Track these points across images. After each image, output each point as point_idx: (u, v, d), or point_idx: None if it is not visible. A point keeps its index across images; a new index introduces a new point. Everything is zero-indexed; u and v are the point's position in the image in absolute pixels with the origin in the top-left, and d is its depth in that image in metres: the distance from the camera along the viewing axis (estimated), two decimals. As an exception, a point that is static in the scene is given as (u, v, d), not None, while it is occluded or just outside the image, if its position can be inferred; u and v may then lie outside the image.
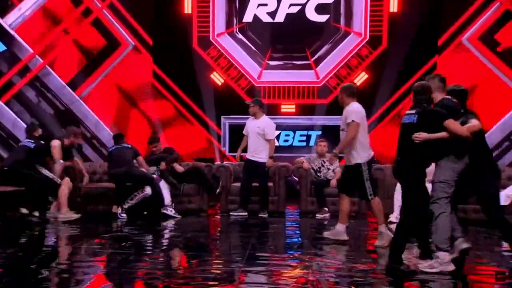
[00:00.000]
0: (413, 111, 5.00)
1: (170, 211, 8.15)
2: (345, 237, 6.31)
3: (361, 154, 6.08)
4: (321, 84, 11.14)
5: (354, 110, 6.15)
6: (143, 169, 8.30)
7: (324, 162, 8.68)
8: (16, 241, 6.43)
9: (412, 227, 5.01)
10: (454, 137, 4.84)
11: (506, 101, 10.58)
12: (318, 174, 8.67)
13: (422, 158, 4.95)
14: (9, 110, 11.02)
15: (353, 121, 6.07)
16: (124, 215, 8.05)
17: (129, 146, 8.40)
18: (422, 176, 5.02)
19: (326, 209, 8.35)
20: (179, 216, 8.09)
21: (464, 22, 10.75)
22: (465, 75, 10.73)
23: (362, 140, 6.12)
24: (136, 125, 10.91)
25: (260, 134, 8.19)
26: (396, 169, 5.14)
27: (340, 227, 6.35)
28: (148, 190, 8.12)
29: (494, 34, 10.68)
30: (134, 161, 8.36)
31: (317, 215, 8.27)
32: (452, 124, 4.85)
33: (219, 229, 7.83)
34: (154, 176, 8.32)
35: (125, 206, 8.09)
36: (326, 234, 6.45)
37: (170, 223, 7.75)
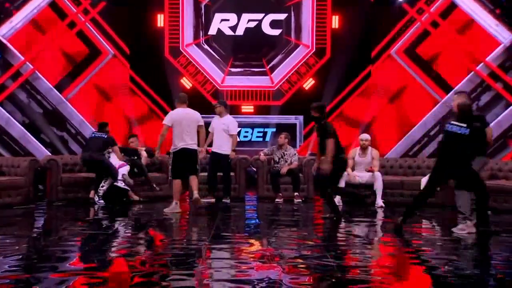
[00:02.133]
0: (464, 125, 5.56)
1: (121, 184, 8.01)
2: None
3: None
4: (275, 88, 11.16)
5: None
6: (114, 159, 8.11)
7: (284, 154, 8.69)
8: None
9: (486, 198, 5.68)
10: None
11: (426, 103, 10.88)
12: (276, 165, 8.67)
13: (470, 158, 5.67)
14: (3, 110, 10.63)
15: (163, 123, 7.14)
16: (101, 201, 7.85)
17: (105, 136, 8.13)
18: (472, 169, 5.71)
19: (281, 194, 8.39)
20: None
21: (392, 38, 10.99)
22: (393, 82, 11.00)
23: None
24: (115, 122, 10.66)
25: (225, 130, 8.15)
26: (448, 171, 5.67)
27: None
28: (110, 180, 7.98)
29: (415, 48, 10.98)
30: (110, 150, 8.19)
31: (276, 200, 8.28)
32: (489, 132, 6.13)
33: (188, 213, 7.76)
34: (121, 162, 8.15)
35: (100, 193, 7.91)
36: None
37: (142, 209, 7.62)
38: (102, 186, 7.93)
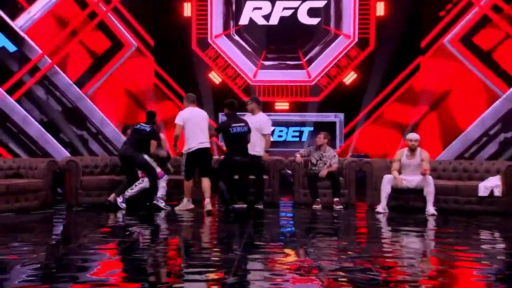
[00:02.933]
0: None
1: (161, 203, 8.03)
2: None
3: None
4: (312, 83, 11.11)
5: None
6: (147, 156, 8.10)
7: (323, 156, 8.61)
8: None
9: None
10: None
11: (484, 99, 10.59)
12: (313, 168, 8.60)
13: None
14: (20, 107, 10.94)
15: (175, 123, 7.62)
16: (124, 204, 7.93)
17: (148, 128, 8.04)
18: None
19: (319, 200, 8.32)
20: (168, 208, 7.97)
21: (445, 26, 10.75)
22: (446, 74, 10.76)
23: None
24: (137, 119, 10.78)
25: (257, 130, 8.11)
26: None
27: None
28: (145, 183, 7.97)
29: (472, 37, 10.69)
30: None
31: (314, 206, 8.23)
32: None
33: (217, 219, 7.78)
34: (158, 170, 8.19)
35: (126, 196, 7.95)
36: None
37: (169, 214, 7.68)
38: (132, 188, 7.97)
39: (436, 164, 8.68)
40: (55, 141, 11.04)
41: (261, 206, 8.18)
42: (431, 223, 7.10)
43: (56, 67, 11.10)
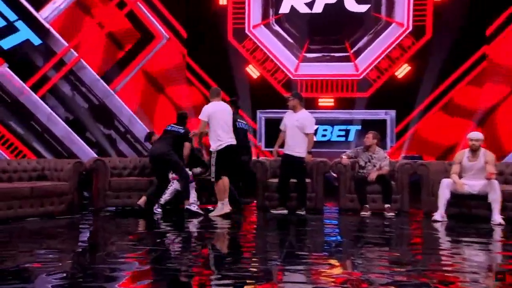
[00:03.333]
0: None
1: (194, 207, 8.11)
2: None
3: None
4: (360, 77, 11.00)
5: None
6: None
7: (372, 157, 8.52)
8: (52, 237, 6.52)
9: None
10: None
11: None
12: (361, 170, 8.52)
13: None
14: (45, 105, 11.22)
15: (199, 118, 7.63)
16: (160, 210, 8.09)
17: (182, 130, 8.27)
18: None
19: (367, 206, 8.24)
20: (202, 213, 8.07)
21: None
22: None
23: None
24: (168, 117, 10.91)
25: (299, 128, 8.11)
26: None
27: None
28: (176, 184, 8.12)
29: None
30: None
31: (362, 213, 8.16)
32: None
33: (255, 226, 7.80)
34: (189, 173, 8.30)
35: (162, 202, 8.12)
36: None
37: (204, 219, 7.75)
38: (165, 193, 8.14)
39: (503, 167, 8.42)
40: (81, 140, 11.28)
41: (303, 213, 8.19)
42: (497, 234, 6.91)
43: (83, 61, 11.34)
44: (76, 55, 11.29)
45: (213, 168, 7.74)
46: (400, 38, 10.87)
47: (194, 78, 11.44)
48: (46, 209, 7.80)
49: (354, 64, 11.03)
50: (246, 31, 11.32)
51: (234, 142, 7.81)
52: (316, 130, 10.44)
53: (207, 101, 11.29)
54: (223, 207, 7.80)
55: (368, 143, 8.56)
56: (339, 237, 6.96)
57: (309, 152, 8.19)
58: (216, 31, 11.35)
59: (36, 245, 5.90)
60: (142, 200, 8.24)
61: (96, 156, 10.29)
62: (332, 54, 11.11)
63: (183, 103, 11.39)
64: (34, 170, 8.35)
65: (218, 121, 7.70)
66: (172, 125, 8.46)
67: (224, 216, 7.75)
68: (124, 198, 8.66)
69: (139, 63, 11.45)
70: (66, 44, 11.28)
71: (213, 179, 7.75)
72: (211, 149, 7.76)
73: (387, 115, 10.88)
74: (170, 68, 11.60)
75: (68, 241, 6.52)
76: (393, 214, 8.16)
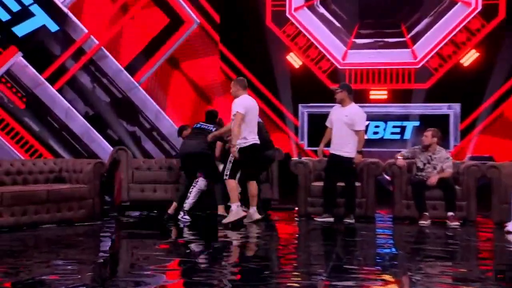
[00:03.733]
0: None
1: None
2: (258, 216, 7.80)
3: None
4: (419, 66, 10.86)
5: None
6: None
7: (432, 158, 8.41)
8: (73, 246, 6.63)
9: None
10: None
11: None
12: (420, 173, 8.41)
13: None
14: (62, 99, 11.39)
15: (237, 112, 7.54)
16: (187, 217, 8.17)
17: (213, 129, 8.33)
18: None
19: (427, 213, 8.13)
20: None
21: None
22: None
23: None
24: (200, 111, 10.99)
25: (348, 125, 8.08)
26: None
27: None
28: (201, 183, 8.21)
29: None
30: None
31: (420, 221, 8.06)
32: None
33: (296, 235, 7.79)
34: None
35: (186, 208, 8.19)
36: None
37: (236, 227, 7.77)
38: (188, 197, 8.21)
39: None
40: (102, 138, 11.43)
41: (352, 220, 8.16)
42: None
43: (104, 50, 11.48)
44: (97, 43, 11.45)
45: (229, 165, 7.70)
46: (467, 20, 10.67)
47: (228, 68, 11.46)
48: (64, 215, 7.92)
49: (412, 50, 10.89)
50: (287, 15, 11.30)
51: (258, 141, 7.83)
52: (367, 127, 10.33)
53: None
54: (238, 210, 7.66)
55: (427, 141, 8.46)
56: (393, 249, 6.91)
57: (359, 152, 8.15)
58: (253, 15, 11.36)
59: (53, 255, 6.01)
60: (172, 208, 8.35)
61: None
62: (385, 39, 11.00)
63: (216, 96, 11.44)
64: (50, 172, 8.50)
65: (251, 117, 7.73)
66: (201, 123, 8.53)
67: (241, 222, 7.66)
68: (149, 191, 8.93)
69: (166, 52, 11.52)
70: (86, 30, 11.45)
71: (226, 177, 7.70)
72: (231, 145, 7.67)
73: (450, 109, 10.71)
74: (201, 58, 11.64)
75: (88, 250, 6.62)
76: (458, 223, 8.05)
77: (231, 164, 7.70)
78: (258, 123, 8.12)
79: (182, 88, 11.64)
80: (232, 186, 7.69)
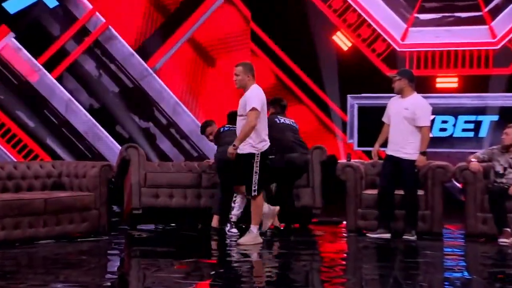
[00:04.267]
0: None
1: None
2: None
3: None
4: (498, 46, 10.75)
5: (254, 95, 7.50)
6: None
7: (514, 161, 8.33)
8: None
9: None
10: None
11: None
12: (499, 180, 8.30)
13: None
14: (62, 89, 11.48)
15: (254, 108, 7.37)
16: (235, 230, 8.24)
17: None
18: None
19: (509, 230, 8.02)
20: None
21: None
22: None
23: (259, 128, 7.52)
24: (227, 102, 10.99)
25: (409, 119, 8.03)
26: None
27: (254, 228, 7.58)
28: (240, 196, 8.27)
29: None
30: None
31: (501, 239, 7.98)
32: None
33: (344, 255, 7.78)
34: None
35: (233, 219, 8.28)
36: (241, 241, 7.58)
37: (273, 244, 7.75)
38: (233, 208, 8.27)
39: None
40: (109, 136, 11.50)
41: (413, 237, 8.11)
42: None
43: (112, 30, 11.55)
44: (104, 21, 11.52)
45: (255, 177, 7.49)
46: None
47: (261, 51, 11.45)
48: (64, 229, 7.97)
49: (490, 27, 10.79)
50: (334, -15, 11.30)
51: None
52: (432, 122, 10.26)
53: (279, 81, 11.40)
54: (258, 234, 7.64)
55: (508, 141, 8.35)
56: (466, 273, 6.85)
57: (422, 153, 8.09)
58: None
59: (51, 277, 6.05)
60: (215, 221, 8.46)
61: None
62: (456, 14, 10.92)
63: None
64: (48, 176, 8.56)
65: (264, 115, 7.71)
66: (228, 126, 8.65)
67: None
68: (165, 196, 8.96)
69: (186, 32, 11.55)
70: (90, 6, 11.53)
71: (254, 193, 7.52)
72: (250, 151, 7.53)
73: (538, 100, 10.61)
74: (229, 38, 11.65)
75: (93, 271, 6.61)
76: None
77: (257, 176, 7.53)
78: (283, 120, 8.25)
79: (207, 75, 11.65)
80: (259, 204, 7.65)
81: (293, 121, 8.73)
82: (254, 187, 7.50)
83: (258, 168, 7.47)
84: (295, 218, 8.91)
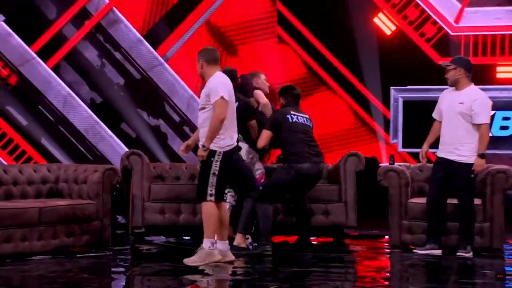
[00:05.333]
0: None
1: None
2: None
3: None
4: None
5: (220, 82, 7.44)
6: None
7: None
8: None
9: None
10: None
11: None
12: None
13: None
14: (59, 80, 11.50)
15: (222, 97, 7.25)
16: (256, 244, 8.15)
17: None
18: None
19: None
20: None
21: None
22: None
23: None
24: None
25: (464, 116, 7.98)
26: None
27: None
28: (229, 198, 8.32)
29: None
30: None
31: None
32: None
33: (387, 274, 7.76)
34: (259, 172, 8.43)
35: (252, 229, 8.26)
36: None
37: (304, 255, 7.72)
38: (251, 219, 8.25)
39: None
40: (113, 136, 11.52)
41: (469, 254, 8.05)
42: None
43: (117, 11, 11.57)
44: (107, 1, 11.54)
45: (213, 179, 7.33)
46: None
47: (289, 36, 11.44)
48: (62, 242, 7.99)
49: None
50: (374, -42, 11.28)
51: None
52: (492, 119, 10.18)
53: (310, 71, 11.37)
54: (213, 252, 7.41)
55: None
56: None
57: (480, 155, 8.03)
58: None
59: (47, 299, 6.07)
60: (238, 240, 8.31)
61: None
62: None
63: (273, 76, 11.39)
64: (43, 182, 8.59)
65: (233, 109, 7.56)
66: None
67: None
68: (171, 213, 8.92)
69: (202, 14, 11.56)
70: (91, -16, 11.58)
71: (211, 198, 7.35)
72: (212, 148, 7.35)
73: None
74: (252, 21, 11.64)
75: (95, 293, 6.67)
76: None
77: (215, 178, 7.35)
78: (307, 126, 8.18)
79: (226, 65, 11.65)
80: (213, 213, 7.46)
81: (307, 117, 8.48)
82: (211, 190, 7.30)
83: (217, 169, 7.29)
84: (314, 231, 8.89)
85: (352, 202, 8.96)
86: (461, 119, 7.98)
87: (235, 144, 7.50)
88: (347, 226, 8.97)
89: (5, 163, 11.03)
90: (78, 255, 7.94)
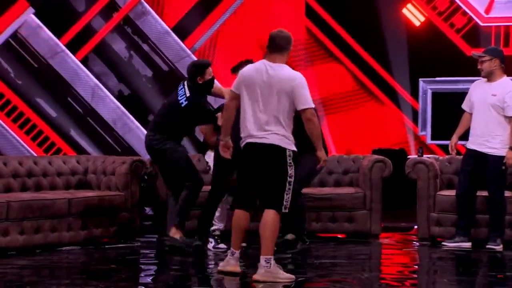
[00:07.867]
0: None
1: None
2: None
3: None
4: None
5: None
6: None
7: None
8: None
9: None
10: None
11: None
12: None
13: None
14: (87, 72, 11.53)
15: None
16: (222, 245, 7.79)
17: None
18: None
19: None
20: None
21: None
22: None
23: None
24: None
25: (497, 108, 7.92)
26: None
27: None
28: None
29: None
30: None
31: None
32: None
33: (416, 267, 7.71)
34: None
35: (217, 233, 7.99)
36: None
37: (329, 250, 7.67)
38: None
39: None
40: (141, 127, 11.52)
41: (499, 247, 7.97)
42: None
43: (145, 4, 11.57)
44: (135, -6, 11.57)
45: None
46: None
47: (314, 26, 11.39)
48: (91, 233, 8.05)
49: None
50: None
51: (266, 140, 6.33)
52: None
53: (339, 63, 11.31)
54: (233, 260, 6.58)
55: None
56: None
57: (511, 148, 7.95)
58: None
59: (77, 289, 6.08)
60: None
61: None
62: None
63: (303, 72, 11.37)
64: (72, 173, 8.65)
65: (248, 96, 6.54)
66: None
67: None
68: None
69: (230, 6, 11.53)
70: (120, -23, 11.59)
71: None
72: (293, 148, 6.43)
73: None
74: (280, 14, 11.59)
75: (123, 283, 6.64)
76: None
77: (291, 185, 6.37)
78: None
79: (254, 58, 11.61)
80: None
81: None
82: (286, 201, 6.31)
83: (292, 174, 6.34)
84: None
85: (377, 211, 8.80)
86: (493, 111, 7.91)
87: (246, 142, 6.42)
88: (371, 234, 8.82)
89: (35, 154, 11.07)
90: (106, 246, 7.97)
